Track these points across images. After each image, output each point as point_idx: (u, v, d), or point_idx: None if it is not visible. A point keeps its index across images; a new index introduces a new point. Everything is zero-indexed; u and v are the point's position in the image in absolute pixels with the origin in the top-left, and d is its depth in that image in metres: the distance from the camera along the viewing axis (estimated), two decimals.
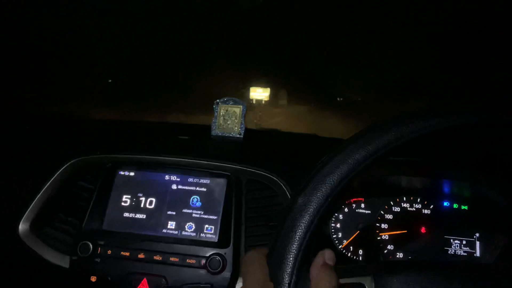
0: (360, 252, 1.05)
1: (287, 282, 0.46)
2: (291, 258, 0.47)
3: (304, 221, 0.48)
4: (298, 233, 0.48)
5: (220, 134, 1.18)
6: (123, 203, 0.95)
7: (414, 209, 1.07)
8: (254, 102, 3.24)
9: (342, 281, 0.51)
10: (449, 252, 1.03)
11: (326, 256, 0.51)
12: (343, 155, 0.50)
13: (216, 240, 0.90)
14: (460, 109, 0.51)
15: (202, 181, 0.96)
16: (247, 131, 1.19)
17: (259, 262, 0.51)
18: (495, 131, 0.53)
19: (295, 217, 0.49)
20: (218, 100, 1.20)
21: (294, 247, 0.47)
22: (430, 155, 0.96)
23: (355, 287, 0.50)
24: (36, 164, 1.01)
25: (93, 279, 0.87)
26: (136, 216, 0.94)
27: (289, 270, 0.46)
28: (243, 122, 1.19)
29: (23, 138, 1.13)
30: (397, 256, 1.03)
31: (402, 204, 1.07)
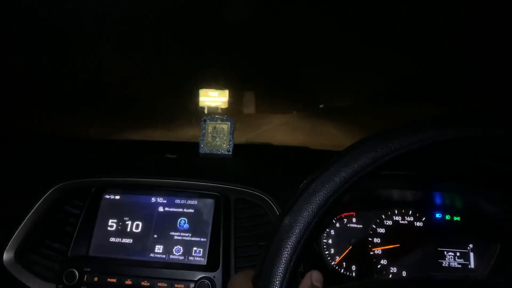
0: (353, 268, 1.03)
1: None
2: (278, 281, 0.45)
3: (290, 242, 0.47)
4: (285, 255, 0.46)
5: (208, 151, 1.17)
6: (109, 228, 0.93)
7: (406, 222, 1.05)
8: (205, 111, 2.99)
9: None
10: (443, 265, 1.02)
11: (314, 277, 0.50)
12: (329, 173, 0.48)
13: (205, 263, 0.89)
14: (445, 122, 0.50)
15: (189, 202, 0.95)
16: (236, 146, 1.18)
17: (246, 286, 0.49)
18: (483, 144, 0.52)
19: (282, 238, 0.47)
20: (205, 118, 1.19)
21: (281, 269, 0.46)
22: (420, 168, 0.95)
23: None
24: (20, 190, 1.00)
25: None
26: (122, 241, 0.92)
27: None
28: (231, 138, 1.18)
29: (5, 164, 1.11)
30: (391, 271, 1.02)
31: (394, 217, 1.06)
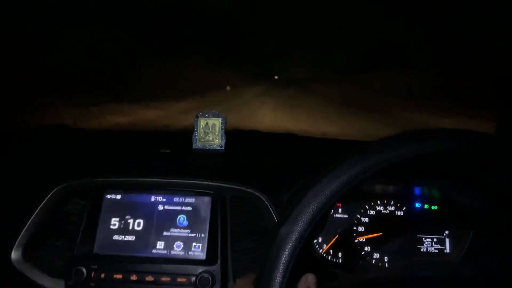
0: (340, 255, 1.12)
1: None
2: (276, 286, 0.51)
3: (287, 250, 0.53)
4: (282, 262, 0.53)
5: (201, 147, 1.22)
6: (112, 226, 0.99)
7: (388, 211, 1.14)
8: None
9: None
10: (422, 250, 1.11)
11: (309, 280, 0.56)
12: (320, 186, 0.55)
13: (204, 258, 0.95)
14: (429, 135, 0.56)
15: (187, 200, 1.00)
16: (228, 136, 1.23)
17: None
18: (462, 156, 0.59)
19: (279, 247, 0.53)
20: (197, 114, 1.24)
21: (279, 275, 0.52)
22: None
23: None
24: (24, 190, 1.03)
25: None
26: (125, 238, 0.97)
27: None
28: (223, 134, 1.23)
29: (4, 163, 1.14)
30: (374, 257, 1.11)
31: (377, 207, 1.14)
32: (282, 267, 0.52)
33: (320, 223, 0.55)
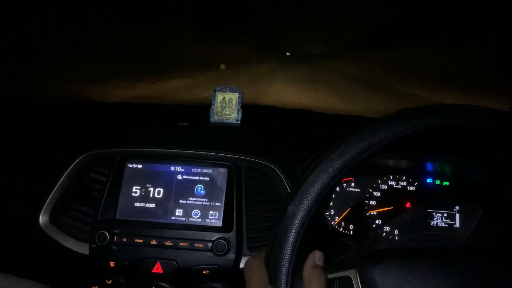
0: (351, 227, 1.15)
1: (283, 283, 0.54)
2: (286, 263, 0.55)
3: (295, 228, 0.56)
4: (290, 239, 0.55)
5: (218, 120, 1.26)
6: (133, 194, 1.04)
7: (399, 186, 1.16)
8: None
9: (332, 275, 0.60)
10: (431, 224, 1.14)
11: (316, 257, 0.59)
12: (324, 165, 0.57)
13: (221, 225, 1.00)
14: (427, 111, 0.58)
15: (205, 171, 1.05)
16: (244, 111, 1.26)
17: (259, 268, 0.58)
18: (469, 131, 0.61)
19: (287, 224, 0.56)
20: (215, 88, 1.27)
21: (288, 251, 0.55)
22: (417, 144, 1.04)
23: (343, 280, 0.60)
24: (51, 157, 1.09)
25: (112, 264, 0.97)
26: (146, 205, 1.02)
27: (285, 272, 0.54)
28: (239, 108, 1.26)
29: (34, 131, 1.20)
30: (384, 230, 1.14)
31: (389, 182, 1.16)
32: (290, 245, 0.55)
33: (326, 199, 0.58)
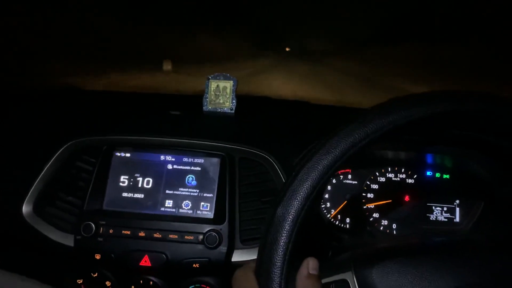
0: (348, 220, 1.12)
1: None
2: (277, 271, 0.50)
3: (285, 231, 0.51)
4: (281, 244, 0.51)
5: (211, 109, 1.21)
6: (121, 184, 0.99)
7: (398, 179, 1.12)
8: None
9: (327, 280, 0.56)
10: (431, 218, 1.11)
11: (310, 266, 0.55)
12: (313, 163, 0.53)
13: (212, 217, 0.96)
14: (417, 100, 0.53)
15: (196, 160, 1.00)
16: (239, 102, 1.22)
17: (248, 278, 0.54)
18: (463, 119, 0.57)
19: (277, 229, 0.52)
20: (209, 76, 1.22)
21: (279, 258, 0.51)
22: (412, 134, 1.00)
23: (339, 284, 0.56)
24: (35, 146, 1.04)
25: (98, 256, 0.93)
26: (134, 196, 0.98)
27: (277, 281, 0.50)
28: (234, 97, 1.21)
29: (17, 120, 1.15)
30: (382, 223, 1.10)
31: (387, 174, 1.13)
32: (281, 251, 0.51)
33: (319, 196, 0.54)
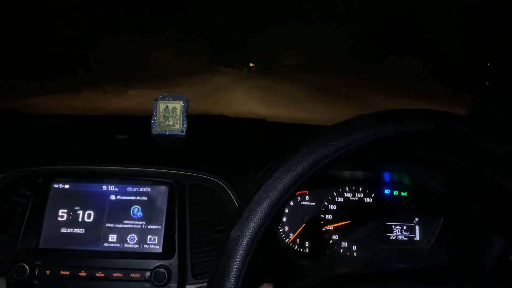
0: (307, 244, 1.07)
1: None
2: None
3: (239, 255, 0.46)
4: (233, 271, 0.46)
5: (160, 132, 1.15)
6: (59, 218, 0.91)
7: (356, 198, 1.09)
8: None
9: None
10: (391, 238, 1.08)
11: None
12: (273, 181, 0.48)
13: (160, 251, 0.89)
14: (379, 121, 0.50)
15: (142, 189, 0.93)
16: (192, 122, 1.16)
17: None
18: (421, 138, 0.54)
19: (230, 253, 0.47)
20: (157, 97, 1.16)
21: (231, 286, 0.46)
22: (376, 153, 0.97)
23: None
24: None
25: None
26: (74, 231, 0.90)
27: None
28: (184, 118, 1.16)
29: None
30: (342, 245, 1.06)
31: (345, 194, 1.09)
32: (233, 277, 0.46)
33: (277, 219, 0.49)
